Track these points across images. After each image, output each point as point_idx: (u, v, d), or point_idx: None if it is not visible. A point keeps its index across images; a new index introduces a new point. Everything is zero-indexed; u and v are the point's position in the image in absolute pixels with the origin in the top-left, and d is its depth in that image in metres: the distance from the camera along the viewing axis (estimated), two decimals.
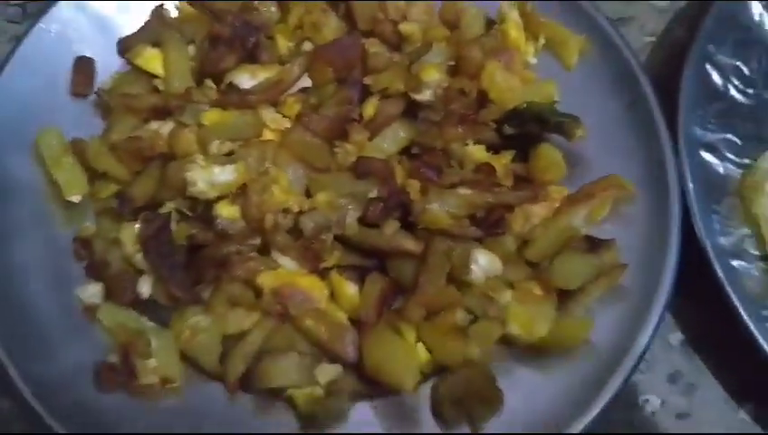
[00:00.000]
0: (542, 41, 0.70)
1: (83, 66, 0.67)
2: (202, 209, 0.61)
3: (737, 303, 0.62)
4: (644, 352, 0.59)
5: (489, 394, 0.57)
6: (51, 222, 0.63)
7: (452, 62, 0.67)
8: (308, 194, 0.62)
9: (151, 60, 0.67)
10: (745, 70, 0.71)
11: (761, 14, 0.73)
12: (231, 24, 0.66)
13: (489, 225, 0.61)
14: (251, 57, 0.67)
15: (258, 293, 0.60)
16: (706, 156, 0.66)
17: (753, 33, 0.72)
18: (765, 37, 0.72)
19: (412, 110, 0.66)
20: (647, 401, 0.64)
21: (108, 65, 0.68)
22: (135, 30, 0.69)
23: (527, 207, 0.62)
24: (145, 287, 0.60)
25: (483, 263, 0.58)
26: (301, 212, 0.60)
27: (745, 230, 0.65)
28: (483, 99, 0.66)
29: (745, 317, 0.61)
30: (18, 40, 0.66)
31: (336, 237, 0.61)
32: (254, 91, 0.64)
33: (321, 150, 0.63)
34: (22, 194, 0.63)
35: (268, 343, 0.59)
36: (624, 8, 0.79)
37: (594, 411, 0.57)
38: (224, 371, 0.58)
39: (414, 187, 0.62)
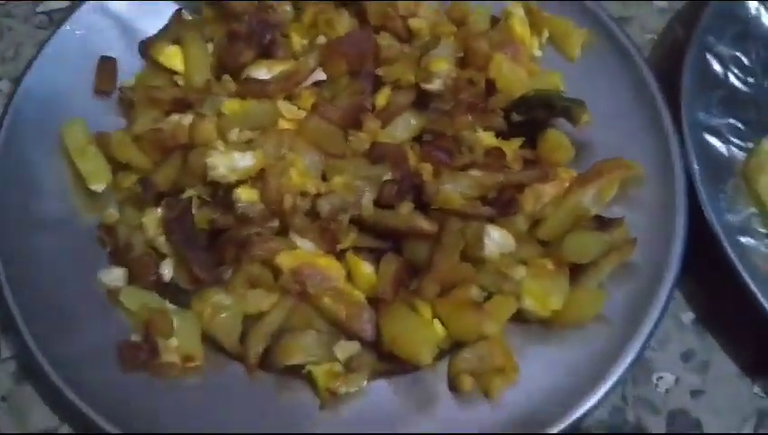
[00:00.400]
0: (545, 35, 0.73)
1: (106, 65, 0.70)
2: (222, 195, 0.63)
3: (747, 278, 0.63)
4: (656, 327, 0.61)
5: (505, 366, 0.58)
6: (75, 211, 0.65)
7: (460, 55, 0.70)
8: (324, 179, 0.64)
9: (172, 56, 0.69)
10: (745, 60, 0.73)
11: (757, 8, 0.76)
12: (248, 23, 0.69)
13: (501, 204, 0.62)
14: (267, 53, 0.69)
15: (277, 274, 0.61)
16: (711, 139, 0.68)
17: (750, 26, 0.75)
18: (762, 30, 0.75)
19: (423, 100, 0.68)
20: (661, 378, 0.65)
21: (129, 66, 0.71)
22: (156, 31, 0.73)
23: (537, 187, 0.64)
24: (167, 270, 0.62)
25: (496, 238, 0.60)
26: (318, 195, 0.62)
27: (752, 209, 0.67)
28: (491, 88, 0.68)
29: (756, 292, 0.62)
30: (45, 41, 0.69)
31: (352, 220, 0.62)
32: (273, 81, 0.66)
33: (337, 137, 0.65)
34: (47, 185, 0.65)
35: (287, 322, 0.60)
36: (624, 8, 0.82)
37: (608, 384, 0.58)
38: (244, 349, 0.60)
39: (427, 170, 0.64)
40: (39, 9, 0.79)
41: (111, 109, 0.70)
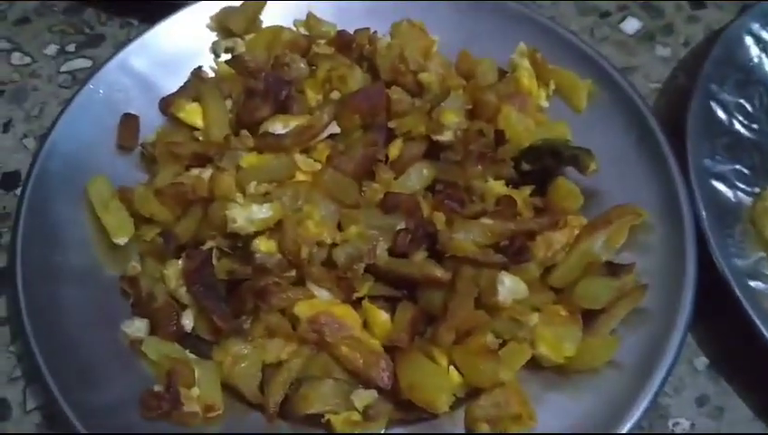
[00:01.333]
0: (552, 86, 0.75)
1: (129, 122, 0.73)
2: (241, 246, 0.65)
3: (758, 322, 0.63)
4: (669, 373, 0.61)
5: (521, 413, 0.59)
6: (98, 263, 0.67)
7: (469, 107, 0.72)
8: (340, 229, 0.66)
9: (192, 113, 0.72)
10: (748, 107, 0.75)
11: (758, 56, 0.78)
12: (264, 80, 0.72)
13: (514, 252, 0.64)
14: (283, 109, 0.72)
15: (295, 323, 0.63)
16: (717, 184, 0.69)
17: (753, 73, 0.77)
18: (764, 77, 0.77)
19: (434, 150, 0.70)
20: (677, 423, 0.65)
21: (151, 122, 0.74)
22: (176, 89, 0.76)
23: (548, 234, 0.65)
24: (188, 321, 0.64)
25: (509, 284, 0.61)
26: (334, 244, 0.64)
27: (761, 253, 0.68)
28: (500, 138, 0.71)
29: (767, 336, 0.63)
30: (70, 99, 0.72)
31: (367, 269, 0.64)
32: (289, 136, 0.69)
33: (351, 188, 0.67)
34: (71, 238, 0.67)
35: (305, 371, 0.62)
36: (628, 58, 0.85)
37: (624, 430, 0.58)
38: (264, 399, 0.61)
39: (439, 219, 0.65)
40: (63, 69, 0.82)
41: (134, 164, 0.72)
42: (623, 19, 0.87)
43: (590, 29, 0.86)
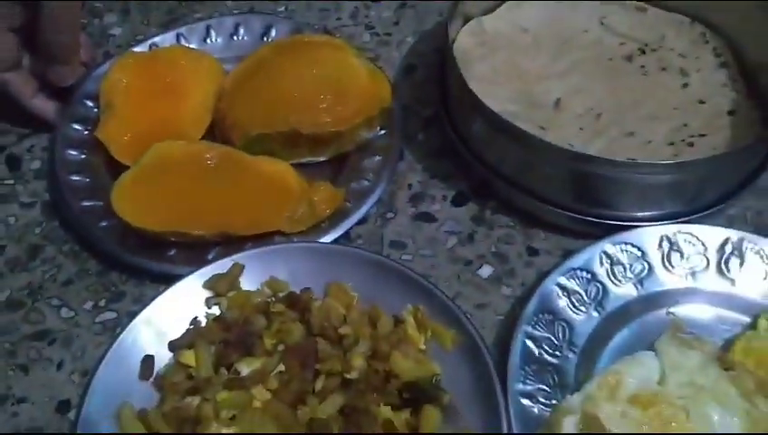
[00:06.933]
0: (429, 333, 1.12)
1: (147, 361, 1.09)
2: None
3: None
4: None
5: None
6: None
7: (370, 353, 1.09)
8: None
9: (188, 357, 1.08)
10: (554, 340, 1.10)
11: (566, 305, 1.13)
12: (236, 333, 1.09)
13: None
14: (248, 352, 1.09)
15: None
16: (525, 402, 1.03)
17: (559, 315, 1.11)
18: (566, 317, 1.12)
19: (346, 383, 1.06)
20: None
21: (162, 358, 1.10)
22: (179, 335, 1.12)
23: None
24: None
25: None
26: None
27: None
28: (389, 376, 1.06)
29: None
30: (107, 349, 1.09)
31: None
32: (249, 377, 1.05)
33: (289, 414, 1.02)
34: None
35: None
36: (483, 296, 1.20)
37: None
38: None
39: None
40: (97, 320, 1.16)
41: (149, 391, 1.09)
42: (480, 266, 1.23)
43: (457, 275, 1.21)
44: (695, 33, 1.48)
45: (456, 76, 1.27)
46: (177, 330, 1.13)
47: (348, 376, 1.05)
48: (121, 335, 1.10)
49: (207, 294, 1.16)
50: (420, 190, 1.36)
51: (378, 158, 1.35)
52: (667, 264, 1.19)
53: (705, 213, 1.25)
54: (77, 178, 1.31)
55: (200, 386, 1.05)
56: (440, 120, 1.39)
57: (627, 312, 1.15)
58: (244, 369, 1.07)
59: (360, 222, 1.30)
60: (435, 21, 1.62)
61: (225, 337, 1.10)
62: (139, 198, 1.21)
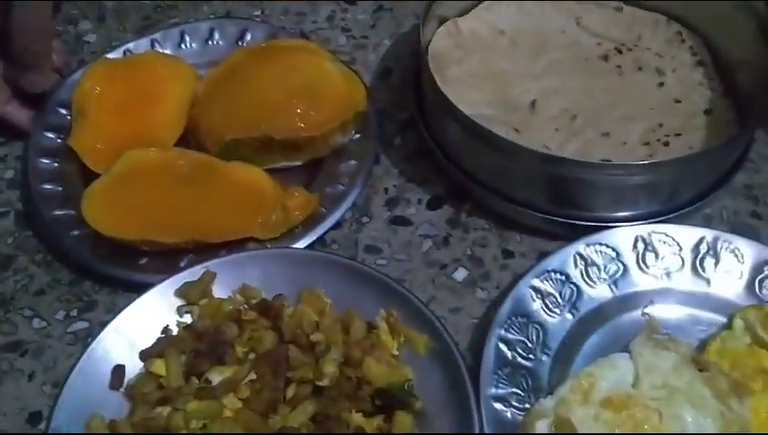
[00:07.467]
0: (402, 339, 1.11)
1: (118, 371, 1.07)
2: None
3: None
4: None
5: None
6: None
7: (342, 359, 1.08)
8: None
9: (158, 366, 1.07)
10: (528, 343, 1.09)
11: (540, 307, 1.13)
12: (207, 342, 1.08)
13: None
14: (220, 361, 1.08)
15: None
16: (498, 406, 1.02)
17: (533, 317, 1.11)
18: (540, 319, 1.11)
19: (317, 391, 1.05)
20: None
21: (133, 367, 1.09)
22: (150, 344, 1.11)
23: None
24: None
25: None
26: None
27: None
28: (362, 382, 1.06)
29: None
30: (77, 359, 1.08)
31: None
32: (220, 386, 1.04)
33: (260, 422, 1.01)
34: None
35: None
36: (457, 300, 1.19)
37: None
38: None
39: None
40: (68, 330, 1.15)
41: (121, 399, 1.07)
42: (456, 269, 1.22)
43: (432, 279, 1.21)
44: (671, 31, 1.47)
45: (430, 80, 1.27)
46: (149, 339, 1.12)
47: (320, 383, 1.04)
48: (92, 345, 1.09)
49: (179, 302, 1.16)
50: (396, 194, 1.35)
51: (353, 162, 1.34)
52: (641, 264, 1.18)
53: (682, 212, 1.25)
54: (49, 186, 1.30)
55: (170, 396, 1.04)
56: (416, 123, 1.39)
57: (601, 313, 1.15)
58: (216, 378, 1.06)
59: (335, 227, 1.29)
60: (412, 24, 1.62)
61: (197, 346, 1.09)
62: (110, 206, 1.21)
